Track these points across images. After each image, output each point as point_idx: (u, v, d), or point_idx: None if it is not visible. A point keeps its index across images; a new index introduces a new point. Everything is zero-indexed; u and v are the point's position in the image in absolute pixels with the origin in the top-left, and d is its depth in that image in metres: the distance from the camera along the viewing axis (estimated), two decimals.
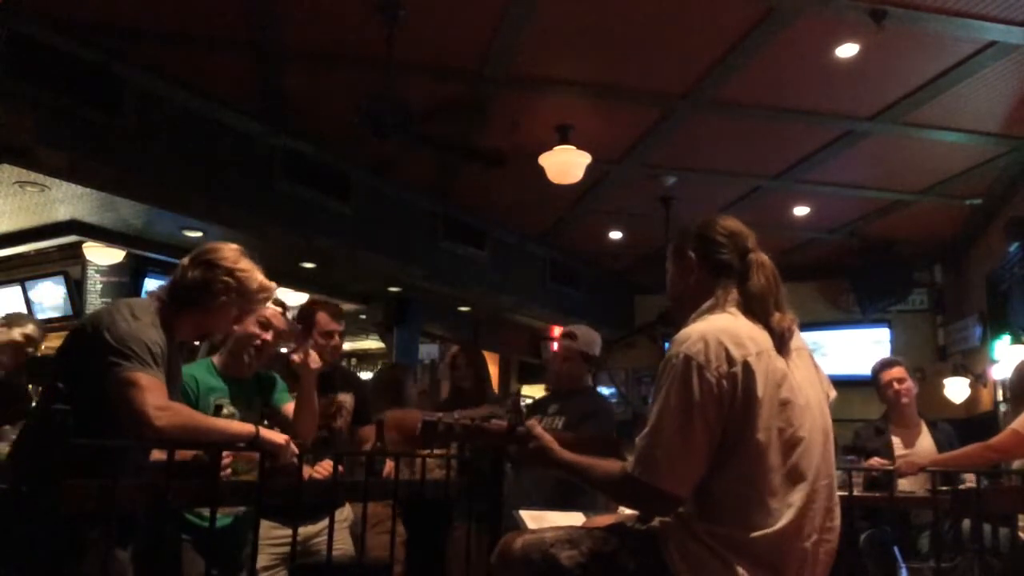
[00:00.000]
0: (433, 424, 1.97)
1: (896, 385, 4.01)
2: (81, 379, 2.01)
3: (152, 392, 1.99)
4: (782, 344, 1.75)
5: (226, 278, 2.26)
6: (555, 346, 3.80)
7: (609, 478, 1.75)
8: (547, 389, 4.20)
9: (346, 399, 3.29)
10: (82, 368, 2.04)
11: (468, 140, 5.55)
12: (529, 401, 4.78)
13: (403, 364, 5.21)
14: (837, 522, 1.76)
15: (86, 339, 2.07)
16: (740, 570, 1.60)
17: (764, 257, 1.85)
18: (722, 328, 1.71)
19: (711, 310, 1.79)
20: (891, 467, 3.55)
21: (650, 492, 1.64)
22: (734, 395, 1.64)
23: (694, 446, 1.63)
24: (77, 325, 2.16)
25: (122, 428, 1.99)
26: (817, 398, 1.78)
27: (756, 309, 1.76)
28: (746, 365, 1.65)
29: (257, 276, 2.33)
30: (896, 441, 4.00)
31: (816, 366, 1.87)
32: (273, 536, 2.88)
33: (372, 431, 3.32)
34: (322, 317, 3.19)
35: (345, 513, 3.10)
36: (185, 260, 2.31)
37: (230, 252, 2.31)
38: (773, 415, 1.65)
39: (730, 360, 1.65)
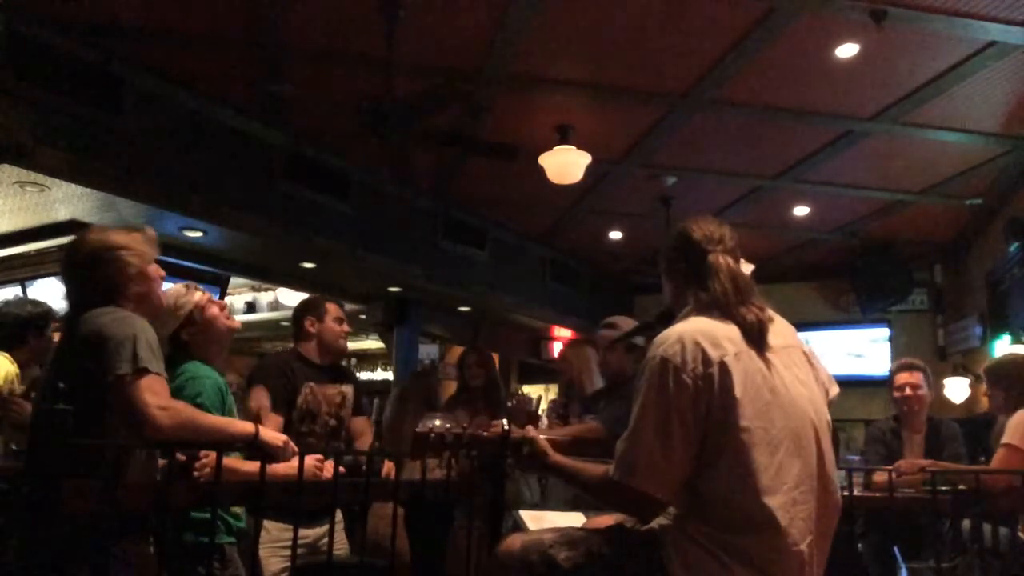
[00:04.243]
0: (424, 436, 1.96)
1: (908, 391, 3.92)
2: (80, 380, 2.00)
3: (153, 391, 1.99)
4: (757, 337, 1.72)
5: (134, 259, 2.24)
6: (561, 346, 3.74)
7: (595, 482, 1.76)
8: (561, 393, 4.18)
9: (348, 390, 3.41)
10: (82, 369, 2.03)
11: (469, 134, 5.53)
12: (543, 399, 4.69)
13: (430, 369, 5.21)
14: (834, 521, 1.75)
15: (84, 341, 2.06)
16: (737, 573, 1.60)
17: (722, 260, 1.82)
18: (700, 329, 1.71)
19: (689, 314, 1.81)
20: (891, 467, 3.54)
21: (631, 495, 1.65)
22: (711, 396, 1.64)
23: (672, 448, 1.63)
24: (80, 329, 2.11)
25: (123, 428, 1.99)
26: (809, 397, 1.76)
27: (721, 310, 1.75)
28: (723, 365, 1.65)
29: (133, 234, 2.30)
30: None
31: (814, 364, 1.86)
32: (285, 539, 2.89)
33: (366, 423, 3.43)
34: (332, 306, 3.43)
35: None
36: (80, 270, 2.23)
37: (113, 235, 2.27)
38: (755, 415, 1.64)
39: (706, 361, 1.65)
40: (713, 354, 1.66)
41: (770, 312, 1.80)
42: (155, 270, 2.32)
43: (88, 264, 2.22)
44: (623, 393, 3.29)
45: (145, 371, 1.99)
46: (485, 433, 2.01)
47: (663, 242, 1.98)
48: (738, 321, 1.73)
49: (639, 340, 3.31)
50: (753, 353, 1.70)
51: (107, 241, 2.24)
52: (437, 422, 2.01)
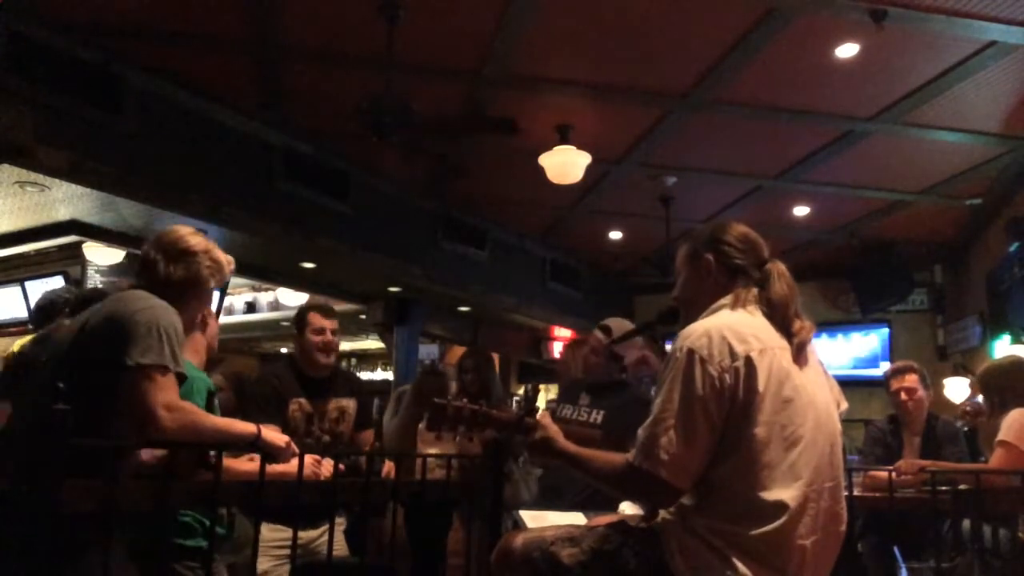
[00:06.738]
0: (442, 407, 1.97)
1: (904, 395, 3.87)
2: (91, 368, 1.97)
3: (164, 390, 1.96)
4: (799, 351, 1.76)
5: (210, 264, 2.25)
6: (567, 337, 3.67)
7: (611, 468, 1.76)
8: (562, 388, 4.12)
9: (348, 405, 3.30)
10: (94, 356, 1.99)
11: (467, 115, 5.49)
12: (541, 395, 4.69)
13: (442, 368, 5.15)
14: (842, 527, 1.75)
15: (109, 320, 2.01)
16: (739, 567, 1.60)
17: (783, 267, 1.89)
18: (727, 324, 1.72)
19: (719, 309, 1.81)
20: (891, 468, 3.53)
21: (651, 481, 1.65)
22: (736, 389, 1.65)
23: (695, 438, 1.64)
24: (109, 307, 2.05)
25: (124, 424, 1.98)
26: (824, 401, 1.78)
27: (777, 315, 1.78)
28: (748, 360, 1.66)
29: (219, 250, 2.31)
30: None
31: (827, 373, 1.88)
32: (275, 539, 2.89)
33: (371, 435, 3.35)
34: (312, 316, 3.28)
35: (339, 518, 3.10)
36: (155, 255, 2.20)
37: (194, 237, 2.27)
38: (775, 411, 1.66)
39: (733, 355, 1.66)
40: (739, 348, 1.67)
41: (812, 325, 1.84)
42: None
43: (171, 250, 2.20)
44: (629, 404, 3.25)
45: (165, 369, 1.97)
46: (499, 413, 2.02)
47: (698, 236, 1.96)
48: (790, 332, 1.76)
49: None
50: (778, 351, 1.72)
51: (200, 243, 2.25)
52: None
